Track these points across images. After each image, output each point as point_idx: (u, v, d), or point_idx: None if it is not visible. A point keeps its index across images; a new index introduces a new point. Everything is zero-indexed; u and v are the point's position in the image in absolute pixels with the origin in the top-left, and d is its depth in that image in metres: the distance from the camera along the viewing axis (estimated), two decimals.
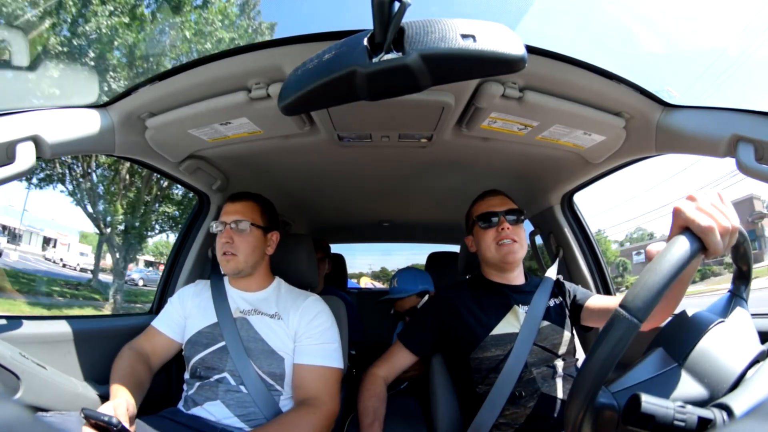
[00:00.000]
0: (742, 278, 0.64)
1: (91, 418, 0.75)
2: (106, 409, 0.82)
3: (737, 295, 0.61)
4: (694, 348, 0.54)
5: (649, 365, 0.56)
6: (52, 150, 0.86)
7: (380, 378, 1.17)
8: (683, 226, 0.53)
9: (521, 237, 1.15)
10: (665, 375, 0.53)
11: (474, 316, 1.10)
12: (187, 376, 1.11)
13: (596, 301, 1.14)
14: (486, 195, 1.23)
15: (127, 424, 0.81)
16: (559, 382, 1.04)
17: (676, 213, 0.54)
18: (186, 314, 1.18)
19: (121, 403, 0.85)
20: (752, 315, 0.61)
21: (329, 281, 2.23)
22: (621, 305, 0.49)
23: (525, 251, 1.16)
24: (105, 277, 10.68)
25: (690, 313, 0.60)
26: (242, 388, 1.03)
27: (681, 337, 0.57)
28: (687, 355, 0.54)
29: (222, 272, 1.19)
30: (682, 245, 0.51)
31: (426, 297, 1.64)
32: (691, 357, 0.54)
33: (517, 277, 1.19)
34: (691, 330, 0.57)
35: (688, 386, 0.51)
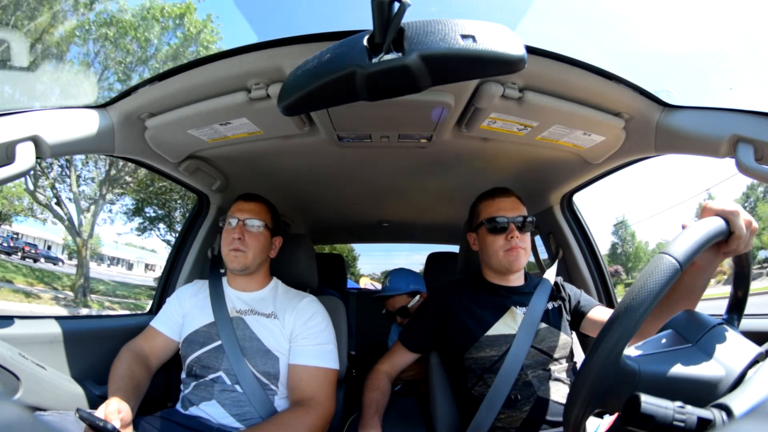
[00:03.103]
0: (737, 307, 0.64)
1: (85, 420, 0.75)
2: (98, 415, 0.82)
3: (730, 323, 0.62)
4: (707, 333, 0.55)
5: (663, 341, 0.57)
6: (51, 150, 0.86)
7: (383, 373, 1.20)
8: (713, 215, 0.59)
9: (527, 244, 1.14)
10: (681, 351, 0.54)
11: (470, 315, 1.10)
12: (183, 375, 1.11)
13: (600, 312, 1.12)
14: (497, 194, 1.17)
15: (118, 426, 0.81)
16: (557, 385, 1.02)
17: (705, 208, 0.62)
18: (184, 313, 1.18)
19: (112, 406, 0.85)
20: (752, 315, 0.61)
21: (329, 282, 2.23)
22: (661, 252, 0.52)
23: (528, 257, 1.15)
24: None
25: (696, 312, 0.61)
26: (237, 387, 1.03)
27: (692, 325, 0.58)
28: (700, 339, 0.55)
29: (229, 268, 1.19)
30: (715, 220, 0.57)
31: (417, 297, 1.66)
32: (704, 340, 0.55)
33: (517, 279, 1.18)
34: (701, 321, 0.58)
35: (705, 363, 0.52)
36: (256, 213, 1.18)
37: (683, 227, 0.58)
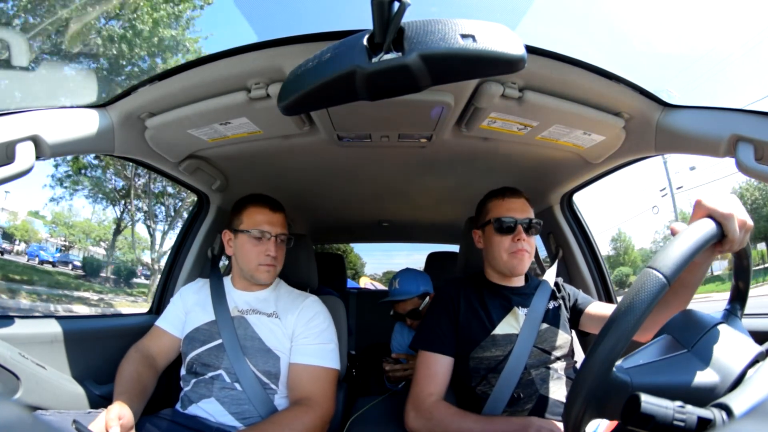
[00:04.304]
0: (739, 298, 0.64)
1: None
2: (98, 423, 0.83)
3: (733, 313, 0.61)
4: (703, 337, 0.55)
5: (658, 348, 0.56)
6: (51, 150, 0.86)
7: (430, 397, 1.01)
8: (705, 215, 0.57)
9: (532, 247, 1.13)
10: (676, 359, 0.54)
11: (475, 316, 1.10)
12: (183, 372, 1.11)
13: (597, 307, 1.13)
14: (507, 194, 1.15)
15: None
16: (558, 383, 1.03)
17: (698, 204, 0.59)
18: (187, 310, 1.19)
19: (113, 412, 0.86)
20: (752, 315, 0.61)
21: (329, 281, 2.23)
22: (648, 266, 0.50)
23: (532, 260, 1.14)
24: None
25: (694, 312, 0.61)
26: (237, 385, 1.03)
27: (689, 327, 0.58)
28: (696, 343, 0.54)
29: (257, 281, 1.17)
30: (706, 225, 0.55)
31: (427, 299, 1.65)
32: (700, 344, 0.54)
33: (518, 280, 1.18)
34: (698, 323, 0.58)
35: (700, 371, 0.51)
36: (284, 226, 1.19)
37: (672, 233, 0.57)
